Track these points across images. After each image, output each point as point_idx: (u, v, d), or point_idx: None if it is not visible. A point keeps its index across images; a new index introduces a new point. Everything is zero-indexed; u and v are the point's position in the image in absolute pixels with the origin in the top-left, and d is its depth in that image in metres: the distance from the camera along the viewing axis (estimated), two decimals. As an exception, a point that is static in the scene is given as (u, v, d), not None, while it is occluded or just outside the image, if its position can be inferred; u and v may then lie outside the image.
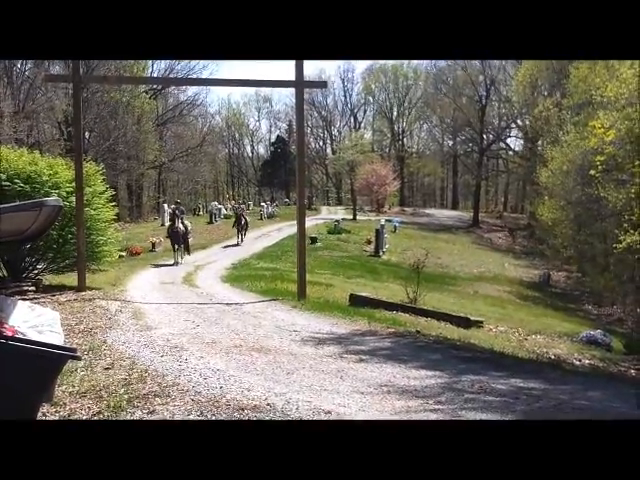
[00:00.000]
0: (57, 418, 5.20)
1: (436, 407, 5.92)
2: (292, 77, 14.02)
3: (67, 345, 4.14)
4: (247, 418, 5.25)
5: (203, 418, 5.24)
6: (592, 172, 22.57)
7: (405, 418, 5.47)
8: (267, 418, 5.26)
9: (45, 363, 3.30)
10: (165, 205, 44.06)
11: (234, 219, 33.72)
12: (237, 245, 31.27)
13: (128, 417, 5.25)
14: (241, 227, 32.15)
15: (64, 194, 13.63)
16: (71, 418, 5.14)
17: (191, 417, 5.27)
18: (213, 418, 5.25)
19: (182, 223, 23.91)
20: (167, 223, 25.71)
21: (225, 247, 30.79)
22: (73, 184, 13.92)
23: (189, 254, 24.74)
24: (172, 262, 22.97)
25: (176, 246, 23.31)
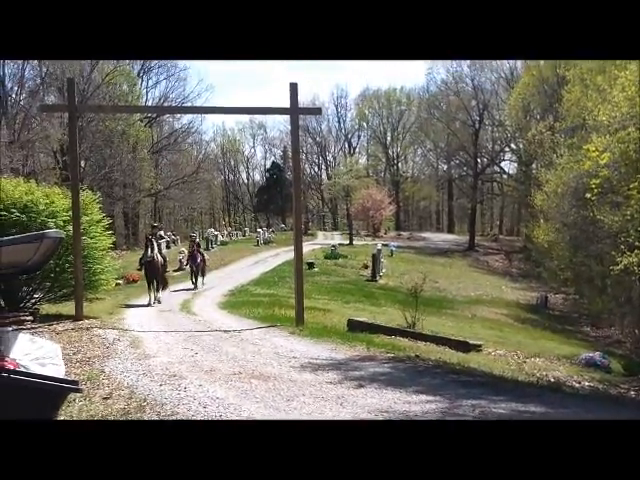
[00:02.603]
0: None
1: (437, 433, 5.89)
2: (286, 104, 14.07)
3: (68, 377, 4.13)
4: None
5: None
6: (588, 195, 22.64)
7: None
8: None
9: (47, 396, 3.28)
10: (161, 232, 43.87)
11: (187, 254, 25.93)
12: (193, 289, 23.58)
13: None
14: (197, 266, 24.18)
15: (61, 223, 13.61)
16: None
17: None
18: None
19: (160, 252, 19.45)
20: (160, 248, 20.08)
21: (174, 291, 22.64)
22: (69, 213, 13.91)
23: (164, 289, 19.80)
24: (146, 302, 18.39)
25: (152, 282, 18.69)
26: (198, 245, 25.84)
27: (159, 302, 18.63)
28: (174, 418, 6.04)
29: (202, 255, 24.85)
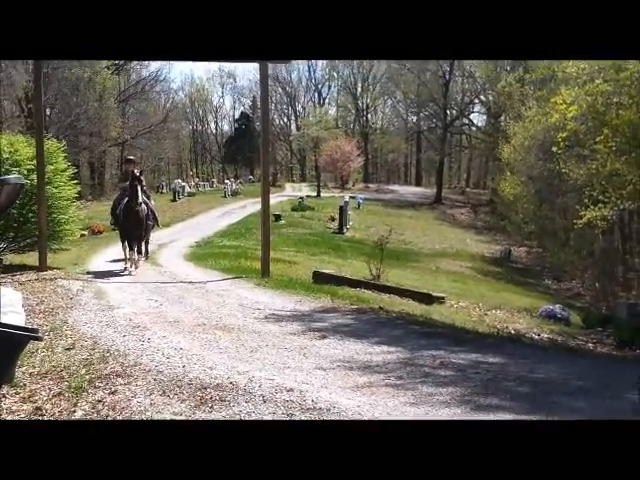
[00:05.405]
0: (18, 401, 5.18)
1: (397, 382, 6.02)
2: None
3: (29, 326, 4.12)
4: (210, 397, 5.28)
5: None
6: (554, 148, 22.85)
7: (367, 395, 5.54)
8: (229, 397, 5.29)
9: (6, 344, 3.27)
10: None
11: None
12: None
13: (90, 398, 5.25)
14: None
15: (25, 172, 13.37)
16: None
17: (153, 397, 5.29)
18: (176, 398, 5.27)
19: (145, 197, 14.22)
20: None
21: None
22: (34, 162, 13.71)
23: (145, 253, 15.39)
24: (122, 267, 14.16)
25: (133, 241, 13.89)
26: (148, 198, 15.88)
27: (136, 267, 13.98)
28: (137, 369, 6.09)
29: (153, 213, 15.38)
